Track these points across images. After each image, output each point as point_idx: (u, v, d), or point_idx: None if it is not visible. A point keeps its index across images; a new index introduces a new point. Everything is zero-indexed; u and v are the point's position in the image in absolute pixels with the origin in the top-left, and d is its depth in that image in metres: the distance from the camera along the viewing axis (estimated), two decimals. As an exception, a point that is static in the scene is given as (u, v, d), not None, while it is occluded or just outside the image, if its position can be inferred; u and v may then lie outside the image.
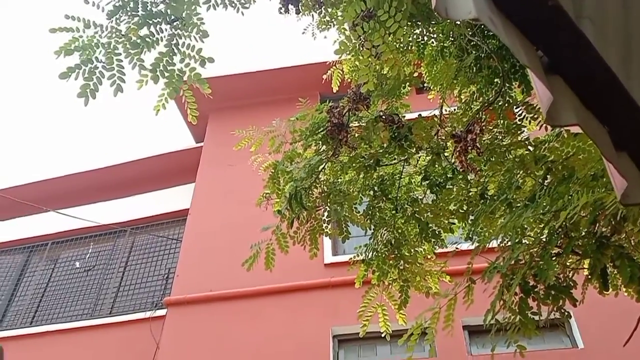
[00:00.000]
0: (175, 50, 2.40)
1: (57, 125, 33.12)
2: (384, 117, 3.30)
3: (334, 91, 4.22)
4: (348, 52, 3.18)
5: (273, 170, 3.57)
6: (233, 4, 3.00)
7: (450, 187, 3.77)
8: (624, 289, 3.23)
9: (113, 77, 2.31)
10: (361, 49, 2.59)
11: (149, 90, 2.80)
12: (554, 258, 2.42)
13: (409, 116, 3.82)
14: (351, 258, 4.15)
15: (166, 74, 2.38)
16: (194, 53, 2.42)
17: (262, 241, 3.57)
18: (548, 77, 1.23)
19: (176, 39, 2.42)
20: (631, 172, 1.29)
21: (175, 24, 2.42)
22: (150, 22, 2.38)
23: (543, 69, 1.24)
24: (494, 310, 2.32)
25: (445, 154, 3.84)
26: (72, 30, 2.31)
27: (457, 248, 3.29)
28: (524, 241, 2.68)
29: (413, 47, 3.75)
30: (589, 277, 2.47)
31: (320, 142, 3.31)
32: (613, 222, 2.34)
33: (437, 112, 3.95)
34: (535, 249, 2.44)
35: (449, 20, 3.51)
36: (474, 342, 6.15)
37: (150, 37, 2.40)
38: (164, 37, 2.44)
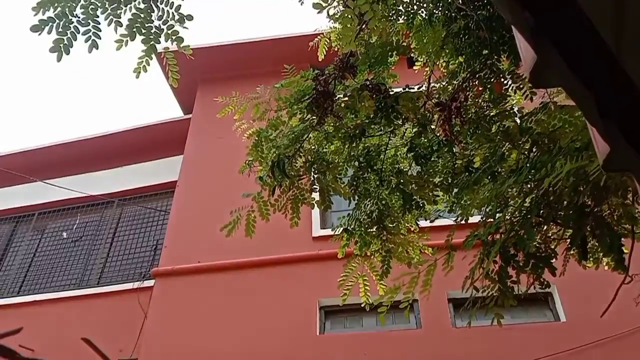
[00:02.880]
0: (154, 7, 2.33)
1: (45, 93, 32.70)
2: (370, 86, 3.25)
3: (320, 60, 4.14)
4: (335, 20, 3.12)
5: (257, 138, 3.52)
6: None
7: (436, 159, 3.75)
8: (604, 262, 3.26)
9: (88, 32, 2.25)
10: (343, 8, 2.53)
11: (136, 59, 2.73)
12: (535, 227, 2.42)
13: (397, 90, 3.78)
14: (334, 228, 4.15)
15: (143, 31, 2.32)
16: (173, 10, 2.36)
17: (243, 207, 3.54)
18: (534, 37, 1.20)
19: (154, -4, 2.35)
20: (614, 138, 1.27)
21: (154, -20, 2.35)
22: (129, -22, 2.31)
23: (529, 30, 1.21)
24: (473, 278, 2.33)
25: (432, 126, 3.81)
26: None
27: (440, 216, 3.29)
28: (506, 210, 2.68)
29: (402, 17, 3.68)
30: (569, 246, 2.48)
31: (305, 111, 3.26)
32: (595, 193, 2.33)
33: (424, 86, 3.91)
34: (516, 218, 2.44)
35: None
36: (458, 315, 6.24)
37: (129, -8, 2.33)
38: (142, -7, 2.37)
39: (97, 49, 2.22)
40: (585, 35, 1.19)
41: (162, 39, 2.41)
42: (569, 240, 2.90)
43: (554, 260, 2.70)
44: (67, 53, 2.19)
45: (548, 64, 1.26)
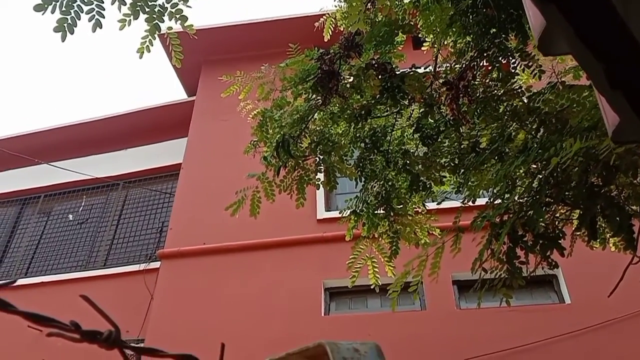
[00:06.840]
0: (157, -15, 2.29)
1: (50, 75, 32.64)
2: (375, 65, 3.21)
3: (326, 40, 4.08)
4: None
5: (261, 118, 3.49)
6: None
7: (443, 139, 3.71)
8: (611, 243, 3.24)
9: (92, 11, 2.21)
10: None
11: (139, 39, 2.68)
12: (544, 208, 2.39)
13: (403, 70, 3.73)
14: (341, 210, 4.13)
15: (147, 10, 2.28)
16: (177, -12, 2.32)
17: (248, 187, 3.52)
18: (542, 2, 1.17)
19: (158, -27, 2.31)
20: (624, 109, 1.24)
21: (157, -42, 2.30)
22: (131, -45, 2.26)
23: (538, -4, 1.18)
24: (482, 259, 2.31)
25: (439, 107, 3.76)
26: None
27: (447, 197, 3.27)
28: (514, 192, 2.65)
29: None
30: (579, 226, 2.45)
31: (310, 91, 3.22)
32: (604, 173, 2.30)
33: (431, 67, 3.86)
34: (525, 199, 2.41)
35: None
36: (463, 296, 6.25)
37: (131, -29, 2.28)
38: (146, -29, 2.33)
39: (101, 28, 2.18)
40: (596, 3, 1.15)
41: (165, 17, 2.37)
42: (576, 221, 2.88)
43: (561, 240, 2.68)
44: (72, 33, 2.15)
45: (557, 31, 1.22)
